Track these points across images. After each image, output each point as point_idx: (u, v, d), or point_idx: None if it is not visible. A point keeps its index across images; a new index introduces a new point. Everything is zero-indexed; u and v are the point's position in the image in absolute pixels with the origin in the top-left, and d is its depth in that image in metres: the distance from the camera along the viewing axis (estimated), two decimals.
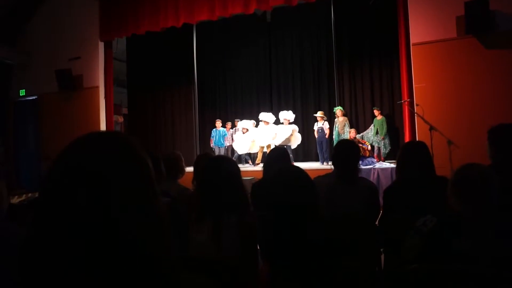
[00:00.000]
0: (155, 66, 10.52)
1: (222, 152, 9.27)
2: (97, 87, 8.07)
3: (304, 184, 1.46)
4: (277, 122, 8.95)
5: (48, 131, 8.24)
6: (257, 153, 8.99)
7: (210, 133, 9.62)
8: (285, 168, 1.61)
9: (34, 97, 8.84)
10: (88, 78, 8.16)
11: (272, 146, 8.27)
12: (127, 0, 7.78)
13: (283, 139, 8.47)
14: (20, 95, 8.99)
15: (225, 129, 9.47)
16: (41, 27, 8.63)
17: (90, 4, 8.12)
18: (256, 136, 8.76)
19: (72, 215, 0.58)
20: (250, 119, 9.31)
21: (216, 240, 1.61)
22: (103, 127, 7.96)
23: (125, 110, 11.53)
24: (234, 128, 9.47)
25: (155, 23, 7.52)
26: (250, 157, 9.29)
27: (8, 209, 1.69)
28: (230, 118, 9.89)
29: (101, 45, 8.18)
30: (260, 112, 9.30)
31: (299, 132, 8.88)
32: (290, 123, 8.74)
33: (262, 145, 8.72)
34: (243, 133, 8.98)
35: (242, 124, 9.09)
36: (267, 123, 8.75)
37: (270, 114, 8.95)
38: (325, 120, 8.43)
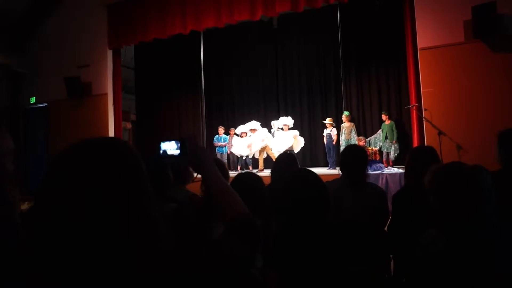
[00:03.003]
0: (162, 73, 10.62)
1: (225, 158, 9.31)
2: (106, 94, 8.17)
3: (316, 188, 1.47)
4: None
5: (57, 138, 8.35)
6: (258, 159, 9.05)
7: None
8: (298, 171, 1.62)
9: (44, 105, 8.98)
10: (97, 85, 8.26)
11: (276, 152, 8.35)
12: (135, 8, 7.88)
13: (287, 146, 8.50)
14: (31, 102, 9.14)
15: (226, 136, 9.53)
16: (51, 35, 8.78)
17: (99, 13, 8.25)
18: (251, 143, 8.88)
19: (67, 215, 0.60)
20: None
21: None
22: (111, 133, 8.04)
23: (133, 117, 11.63)
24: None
25: (162, 30, 7.61)
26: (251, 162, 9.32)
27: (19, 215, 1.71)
28: (237, 124, 9.90)
29: (109, 53, 8.29)
30: (267, 118, 9.34)
31: (306, 137, 8.90)
32: (289, 129, 8.78)
33: (257, 150, 8.77)
34: (242, 137, 9.08)
35: (240, 129, 9.21)
36: (255, 130, 8.90)
37: (254, 121, 9.13)
38: (333, 127, 8.48)
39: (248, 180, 1.92)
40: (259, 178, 1.97)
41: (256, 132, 8.91)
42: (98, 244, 0.59)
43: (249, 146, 8.80)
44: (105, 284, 0.58)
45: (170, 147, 1.04)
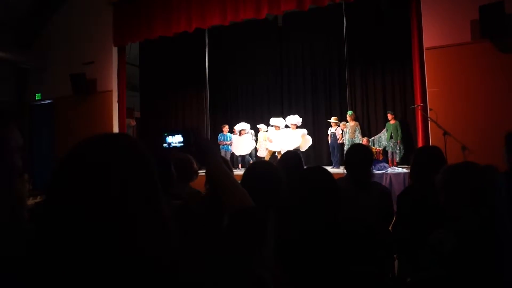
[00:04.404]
0: (167, 70, 10.63)
1: (228, 156, 9.33)
2: (111, 91, 8.19)
3: (331, 185, 1.47)
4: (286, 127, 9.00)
5: (62, 134, 8.39)
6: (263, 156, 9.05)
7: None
8: (313, 168, 1.61)
9: (49, 101, 9.02)
10: (101, 82, 8.29)
11: (282, 151, 8.31)
12: (140, 6, 7.89)
13: (296, 145, 8.47)
14: (36, 98, 9.18)
15: (230, 134, 9.54)
16: (57, 32, 8.81)
17: (105, 10, 8.27)
18: (272, 140, 8.75)
19: (76, 209, 0.59)
20: (261, 123, 9.36)
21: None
22: (116, 130, 8.06)
23: (137, 114, 11.66)
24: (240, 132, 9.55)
25: (167, 28, 7.61)
26: (254, 159, 9.33)
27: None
28: (241, 122, 9.90)
29: (114, 50, 8.31)
30: (271, 116, 9.31)
31: (310, 136, 8.88)
32: (297, 127, 8.75)
33: (278, 150, 8.71)
34: (240, 135, 9.05)
35: (239, 126, 9.19)
36: (278, 128, 8.77)
37: (281, 119, 8.97)
38: (338, 126, 8.46)
39: (264, 170, 1.84)
40: (275, 167, 1.89)
41: (280, 131, 8.76)
42: (109, 242, 0.59)
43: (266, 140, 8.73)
44: (117, 281, 0.58)
45: (175, 140, 1.04)
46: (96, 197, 0.60)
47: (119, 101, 8.29)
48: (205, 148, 0.95)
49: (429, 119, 5.73)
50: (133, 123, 11.27)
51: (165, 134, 1.05)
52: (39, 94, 9.14)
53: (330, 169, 8.18)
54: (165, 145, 1.05)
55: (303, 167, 2.67)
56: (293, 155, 2.79)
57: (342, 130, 8.40)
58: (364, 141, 7.94)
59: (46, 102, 9.09)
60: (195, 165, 2.81)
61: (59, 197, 0.62)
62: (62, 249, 0.58)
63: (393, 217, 2.37)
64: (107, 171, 0.62)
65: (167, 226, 0.66)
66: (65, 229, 0.59)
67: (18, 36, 8.91)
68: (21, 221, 1.54)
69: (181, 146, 1.02)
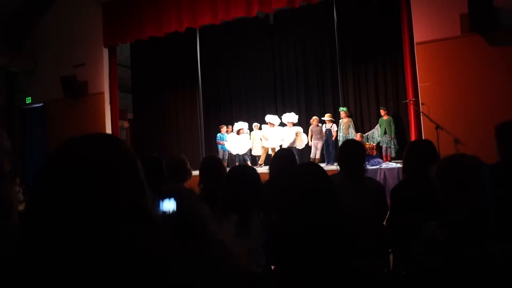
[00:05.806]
0: (159, 71, 10.57)
1: (226, 155, 9.33)
2: (102, 93, 8.13)
3: (323, 180, 1.47)
4: (282, 124, 9.02)
5: (54, 137, 8.32)
6: (259, 155, 9.06)
7: (216, 136, 9.66)
8: (306, 164, 1.62)
9: (40, 104, 8.93)
10: (93, 84, 8.23)
11: (277, 149, 8.33)
12: (130, 6, 7.84)
13: (288, 142, 8.50)
14: (27, 102, 9.09)
15: (225, 134, 9.56)
16: (46, 34, 8.72)
17: (94, 11, 8.20)
18: (268, 137, 8.78)
19: (60, 211, 0.59)
20: (255, 122, 9.37)
21: (244, 234, 1.65)
22: (108, 132, 8.01)
23: (130, 115, 11.58)
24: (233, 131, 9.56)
25: (158, 28, 7.57)
26: (250, 158, 9.33)
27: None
28: (235, 121, 9.89)
29: (105, 51, 8.24)
30: (265, 115, 9.32)
31: (305, 134, 8.91)
32: (294, 125, 8.78)
33: (273, 147, 8.72)
34: (238, 134, 9.08)
35: (237, 125, 9.21)
36: (273, 125, 8.79)
37: (276, 116, 9.00)
38: (333, 123, 8.47)
39: (242, 173, 1.93)
40: (253, 169, 1.98)
41: (274, 128, 8.80)
42: (94, 239, 0.58)
43: (282, 139, 8.70)
44: (103, 279, 0.58)
45: (169, 206, 0.89)
46: (80, 197, 0.59)
47: (111, 103, 8.23)
48: (197, 220, 0.79)
49: (421, 113, 5.77)
50: (126, 125, 11.21)
51: (160, 198, 0.88)
52: (30, 97, 9.04)
53: (324, 165, 8.20)
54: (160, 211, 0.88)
55: (297, 163, 2.67)
56: (286, 152, 2.79)
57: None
58: (358, 137, 7.98)
59: (37, 105, 9.00)
60: (188, 165, 2.81)
61: (44, 198, 0.61)
62: (51, 249, 0.58)
63: (387, 212, 2.38)
64: (90, 167, 0.61)
65: (155, 224, 0.65)
66: (52, 229, 0.58)
67: (7, 39, 8.80)
68: (12, 225, 1.52)
69: (174, 213, 0.85)
